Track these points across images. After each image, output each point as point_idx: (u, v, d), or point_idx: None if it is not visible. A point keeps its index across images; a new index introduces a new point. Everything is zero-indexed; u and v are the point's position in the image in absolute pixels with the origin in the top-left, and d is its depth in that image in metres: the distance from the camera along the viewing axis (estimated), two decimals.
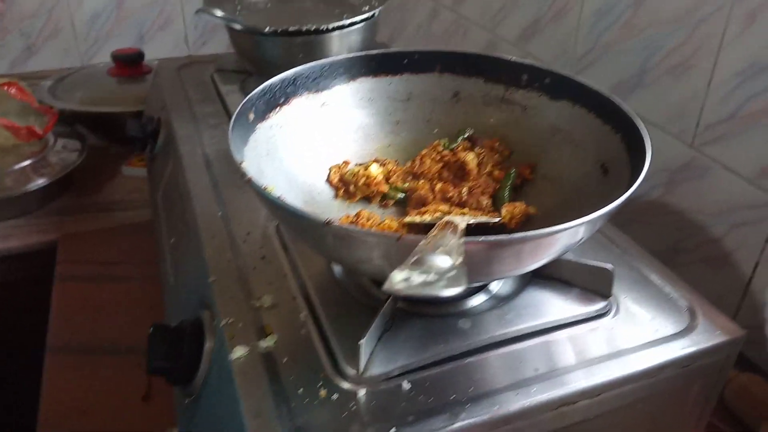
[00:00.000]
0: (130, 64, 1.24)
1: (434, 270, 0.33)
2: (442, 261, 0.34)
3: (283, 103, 0.59)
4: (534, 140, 0.62)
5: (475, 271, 0.42)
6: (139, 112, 1.07)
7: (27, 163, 0.99)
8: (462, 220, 0.42)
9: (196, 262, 0.60)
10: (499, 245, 0.39)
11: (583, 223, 0.40)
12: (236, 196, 0.67)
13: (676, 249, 0.81)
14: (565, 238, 0.42)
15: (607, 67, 0.87)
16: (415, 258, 0.34)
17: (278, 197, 0.41)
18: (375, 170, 0.60)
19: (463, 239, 0.37)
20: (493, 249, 0.40)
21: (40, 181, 0.97)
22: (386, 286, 0.32)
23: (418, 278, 0.32)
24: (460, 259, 0.34)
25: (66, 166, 1.01)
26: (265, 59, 0.88)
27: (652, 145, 0.49)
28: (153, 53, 1.38)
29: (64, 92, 1.20)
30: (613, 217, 0.64)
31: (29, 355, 0.73)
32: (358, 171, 0.59)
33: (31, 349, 0.74)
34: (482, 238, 0.39)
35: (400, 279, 0.32)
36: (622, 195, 0.44)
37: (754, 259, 0.71)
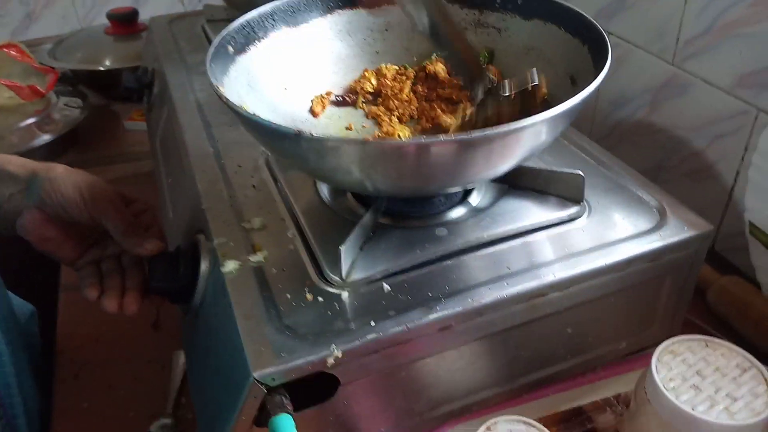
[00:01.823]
0: (125, 22, 1.26)
1: None
2: None
3: (262, 37, 0.61)
4: (509, 60, 0.64)
5: (448, 172, 0.45)
6: (136, 67, 1.09)
7: (31, 120, 1.02)
8: None
9: (191, 195, 0.63)
10: (467, 143, 0.41)
11: (543, 120, 0.42)
12: (227, 134, 0.70)
13: (661, 167, 0.83)
14: (529, 135, 0.44)
15: None
16: None
17: (252, 113, 0.43)
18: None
19: None
20: (461, 148, 0.42)
21: (46, 138, 1.00)
22: None
23: None
24: None
25: (69, 122, 1.05)
26: (253, 3, 0.89)
27: (613, 52, 0.50)
28: (150, 13, 1.40)
29: (63, 54, 1.23)
30: (599, 142, 0.66)
31: (44, 296, 0.78)
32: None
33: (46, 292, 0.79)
34: (451, 136, 0.41)
35: None
36: (585, 91, 0.45)
37: (735, 168, 0.72)
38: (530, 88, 0.52)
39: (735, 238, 0.74)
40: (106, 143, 1.12)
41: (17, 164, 0.55)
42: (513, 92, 0.53)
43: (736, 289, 0.68)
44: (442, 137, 0.41)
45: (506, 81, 0.55)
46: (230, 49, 0.56)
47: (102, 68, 1.18)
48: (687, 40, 0.75)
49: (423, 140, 0.41)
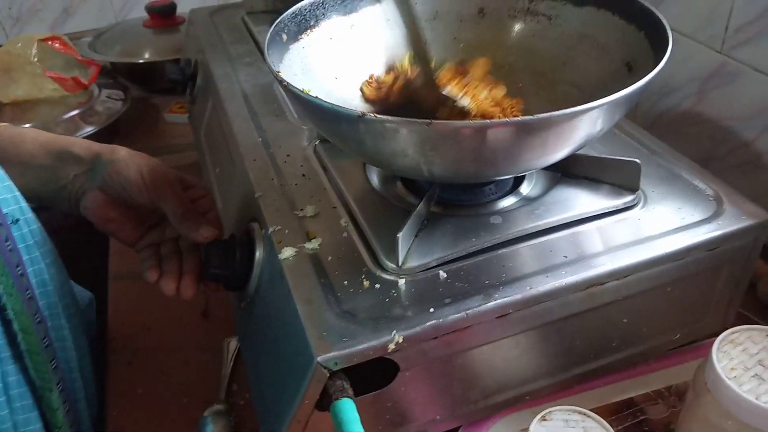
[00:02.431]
0: (164, 15, 1.28)
1: None
2: None
3: (314, 26, 0.61)
4: (561, 49, 0.63)
5: (506, 156, 0.45)
6: (176, 60, 1.11)
7: (75, 112, 1.04)
8: None
9: (242, 184, 0.64)
10: (523, 126, 0.41)
11: (601, 105, 0.42)
12: (274, 124, 0.70)
13: (709, 158, 0.82)
14: (586, 122, 0.43)
15: None
16: None
17: (315, 96, 0.44)
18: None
19: None
20: (520, 131, 0.42)
21: (89, 129, 1.02)
22: None
23: None
24: None
25: (112, 114, 1.06)
26: None
27: (673, 40, 0.50)
28: (186, 6, 1.41)
29: (103, 47, 1.24)
30: (648, 127, 0.65)
31: (94, 285, 0.79)
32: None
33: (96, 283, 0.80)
34: (511, 119, 0.41)
35: None
36: (648, 74, 0.45)
37: None
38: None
39: None
40: (147, 135, 1.13)
41: (82, 146, 0.56)
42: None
43: None
44: (503, 119, 0.41)
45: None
46: (284, 37, 0.57)
47: (142, 61, 1.20)
48: (737, 27, 0.73)
49: (484, 122, 0.41)
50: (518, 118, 0.40)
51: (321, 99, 0.43)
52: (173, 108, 1.16)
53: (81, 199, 0.56)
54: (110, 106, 1.08)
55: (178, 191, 0.55)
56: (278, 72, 0.48)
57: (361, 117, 0.41)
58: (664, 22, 0.51)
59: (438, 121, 0.40)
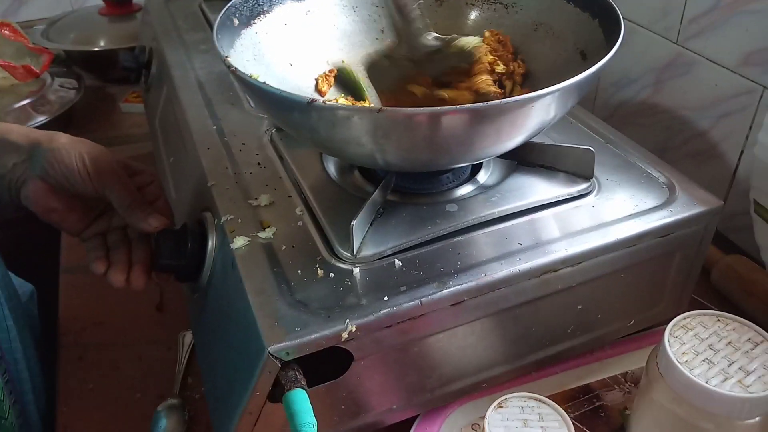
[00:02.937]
0: (119, 2, 1.24)
1: None
2: None
3: (267, 11, 0.60)
4: (517, 36, 0.63)
5: (460, 143, 0.44)
6: (131, 48, 1.08)
7: (26, 101, 1.01)
8: None
9: (195, 173, 0.62)
10: (476, 113, 0.41)
11: (553, 92, 0.42)
12: (230, 112, 0.69)
13: (665, 147, 0.83)
14: (539, 108, 0.43)
15: None
16: None
17: (263, 82, 0.43)
18: None
19: None
20: (472, 117, 0.41)
21: (41, 119, 0.98)
22: None
23: None
24: None
25: (65, 103, 1.03)
26: None
27: (631, 31, 0.50)
28: None
29: (56, 35, 1.21)
30: (607, 118, 0.66)
31: (45, 278, 0.77)
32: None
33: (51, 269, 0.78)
34: (462, 106, 0.41)
35: None
36: (599, 62, 0.45)
37: (740, 147, 0.72)
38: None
39: (738, 218, 0.74)
40: (102, 125, 1.10)
41: (20, 133, 0.54)
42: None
43: (741, 268, 0.68)
44: (454, 107, 0.41)
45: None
46: (235, 21, 0.55)
47: (97, 49, 1.16)
48: (692, 18, 0.74)
49: (435, 109, 0.40)
50: (470, 105, 0.40)
51: (269, 85, 0.42)
52: (129, 97, 1.13)
53: (21, 189, 0.53)
54: (63, 95, 1.05)
55: (124, 179, 0.54)
56: (226, 57, 0.47)
57: (311, 103, 0.40)
58: (617, 10, 0.51)
59: (389, 108, 0.39)
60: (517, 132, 0.46)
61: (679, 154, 0.81)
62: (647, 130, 0.86)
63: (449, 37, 0.49)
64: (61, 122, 1.02)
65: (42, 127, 0.99)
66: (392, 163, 0.48)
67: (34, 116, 0.99)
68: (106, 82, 1.23)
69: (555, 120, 0.48)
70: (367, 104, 0.61)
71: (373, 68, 0.53)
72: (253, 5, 0.57)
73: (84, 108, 1.10)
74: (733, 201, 0.75)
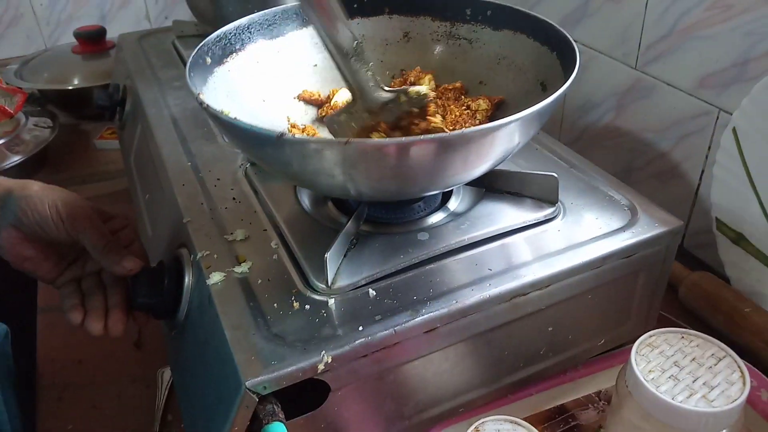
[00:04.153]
0: (93, 40, 1.25)
1: None
2: None
3: (239, 49, 0.61)
4: (480, 69, 0.66)
5: (427, 172, 0.46)
6: (105, 85, 1.09)
7: (0, 142, 1.01)
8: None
9: (171, 210, 0.63)
10: (442, 142, 0.42)
11: (515, 120, 0.43)
12: (204, 148, 0.70)
13: (629, 168, 0.86)
14: (503, 136, 0.45)
15: (554, 2, 0.90)
16: None
17: (234, 117, 0.44)
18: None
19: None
20: (438, 147, 0.43)
21: (16, 159, 0.99)
22: None
23: None
24: None
25: (40, 142, 1.03)
26: (223, 16, 0.90)
27: (581, 57, 0.52)
28: (116, 32, 1.39)
29: (30, 74, 1.21)
30: (569, 146, 0.68)
31: (24, 319, 0.76)
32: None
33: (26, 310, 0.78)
34: (429, 135, 0.42)
35: None
36: (555, 92, 0.47)
37: (700, 167, 0.75)
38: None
39: (703, 235, 0.77)
40: (77, 163, 1.10)
41: None
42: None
43: (707, 284, 0.70)
44: (421, 137, 0.42)
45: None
46: (208, 60, 0.57)
47: (71, 87, 1.17)
48: (649, 44, 0.78)
49: (403, 139, 0.42)
50: (436, 135, 0.42)
51: (240, 120, 0.44)
52: (104, 134, 1.14)
53: None
54: (38, 134, 1.06)
55: (98, 223, 0.54)
56: (199, 94, 0.48)
57: (280, 137, 0.41)
58: (573, 43, 0.54)
59: (356, 140, 0.41)
60: (482, 160, 0.47)
61: (644, 175, 0.84)
62: (612, 151, 0.88)
63: (400, 89, 0.53)
64: (36, 161, 1.02)
65: (17, 166, 0.99)
66: (363, 192, 0.49)
67: (8, 156, 0.99)
68: (81, 119, 1.23)
69: (519, 147, 0.50)
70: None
71: (332, 124, 0.56)
72: (225, 44, 0.59)
73: (59, 146, 1.10)
74: (696, 218, 0.78)
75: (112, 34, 1.31)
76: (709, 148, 0.73)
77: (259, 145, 0.46)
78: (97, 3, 1.53)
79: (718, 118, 0.71)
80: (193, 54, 0.53)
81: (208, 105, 0.45)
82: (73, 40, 1.29)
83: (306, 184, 0.55)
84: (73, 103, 1.20)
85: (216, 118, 0.45)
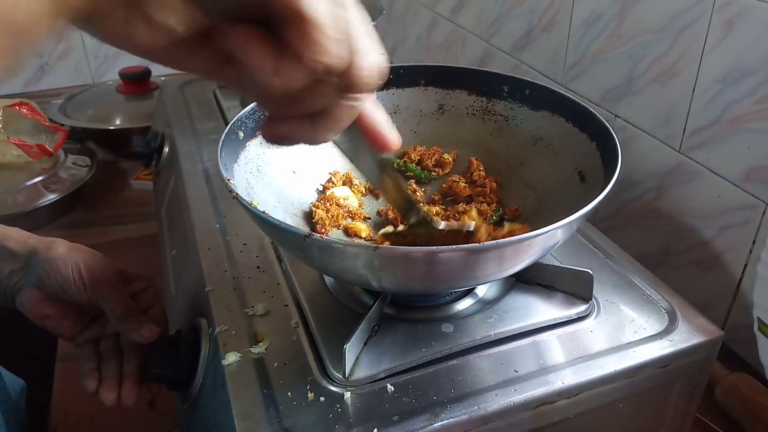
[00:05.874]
0: (137, 81, 1.28)
1: None
2: None
3: None
4: (515, 149, 0.64)
5: (458, 276, 0.44)
6: (146, 127, 1.10)
7: (38, 179, 1.03)
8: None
9: (194, 273, 0.62)
10: (476, 251, 0.41)
11: (556, 228, 0.42)
12: (234, 209, 0.70)
13: (668, 252, 0.83)
14: (542, 241, 0.43)
15: (597, 76, 0.88)
16: None
17: (263, 212, 0.43)
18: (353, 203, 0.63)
19: None
20: (472, 255, 0.41)
21: (51, 197, 1.00)
22: None
23: None
24: None
25: (76, 181, 1.05)
26: None
27: (622, 153, 0.50)
28: (160, 70, 1.42)
29: (74, 110, 1.24)
30: (605, 221, 0.66)
31: (42, 366, 0.76)
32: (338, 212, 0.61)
33: (43, 361, 0.77)
34: (460, 246, 0.41)
35: None
36: (594, 200, 0.46)
37: (743, 261, 0.72)
38: (464, 232, 0.48)
39: (743, 331, 0.73)
40: (112, 202, 1.12)
41: (18, 240, 0.55)
42: (446, 230, 0.48)
43: (745, 388, 0.66)
44: (451, 246, 0.41)
45: (442, 221, 0.50)
46: (241, 134, 0.56)
47: (112, 127, 1.19)
48: (694, 129, 0.75)
49: (433, 248, 0.40)
50: (467, 246, 0.40)
51: (269, 215, 0.43)
52: (141, 175, 1.15)
53: (17, 296, 0.54)
54: (75, 173, 1.07)
55: (118, 288, 0.54)
56: (229, 180, 0.47)
57: (308, 237, 0.40)
58: (615, 137, 0.52)
59: (384, 246, 0.40)
60: (517, 263, 0.46)
61: (683, 261, 0.80)
62: (650, 232, 0.85)
63: (454, 226, 0.49)
64: (72, 199, 1.04)
65: (52, 204, 1.00)
66: (389, 288, 0.48)
67: (44, 194, 1.00)
68: (120, 157, 1.25)
69: (557, 247, 0.48)
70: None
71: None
72: (258, 117, 0.58)
73: (95, 184, 1.12)
74: (737, 313, 0.74)
75: (156, 73, 1.34)
76: (754, 242, 0.70)
77: (287, 240, 0.45)
78: None
79: (765, 213, 0.68)
80: (226, 130, 0.53)
81: (237, 194, 0.44)
82: (117, 75, 1.32)
83: (332, 275, 0.55)
84: (112, 142, 1.22)
85: (246, 208, 0.45)
